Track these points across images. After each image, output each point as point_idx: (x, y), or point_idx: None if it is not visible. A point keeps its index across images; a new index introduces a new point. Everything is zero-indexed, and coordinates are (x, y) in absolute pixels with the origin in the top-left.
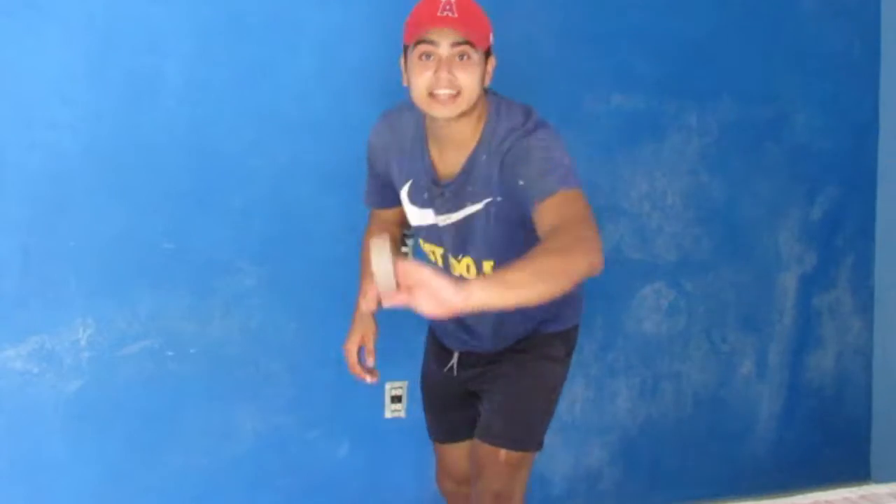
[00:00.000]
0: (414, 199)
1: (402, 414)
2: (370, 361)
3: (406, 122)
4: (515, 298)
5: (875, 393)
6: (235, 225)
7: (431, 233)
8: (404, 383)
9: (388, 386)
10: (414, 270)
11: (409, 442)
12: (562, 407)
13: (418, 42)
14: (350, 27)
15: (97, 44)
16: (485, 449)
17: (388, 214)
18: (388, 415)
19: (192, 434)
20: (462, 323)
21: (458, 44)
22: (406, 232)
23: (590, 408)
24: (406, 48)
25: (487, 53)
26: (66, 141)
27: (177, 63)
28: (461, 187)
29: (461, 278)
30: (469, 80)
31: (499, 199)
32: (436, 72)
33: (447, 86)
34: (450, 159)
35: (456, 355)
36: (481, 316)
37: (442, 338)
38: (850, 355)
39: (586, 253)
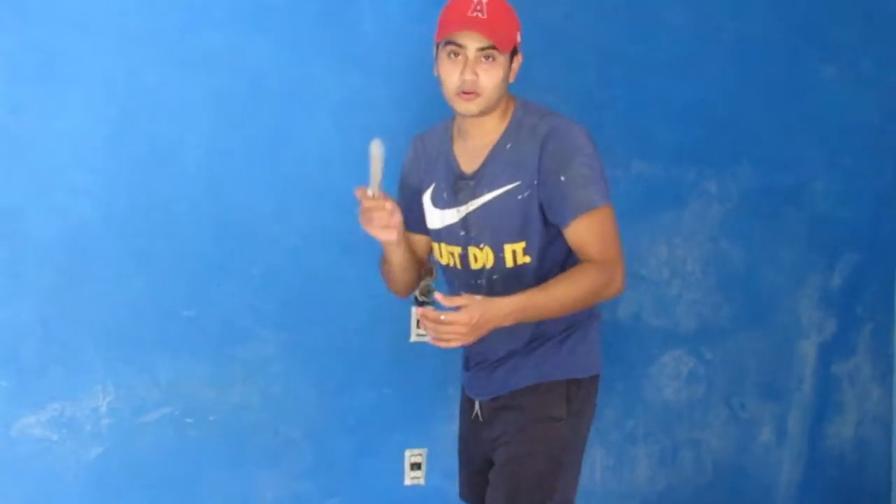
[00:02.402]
0: (436, 202)
1: (422, 481)
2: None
3: (434, 133)
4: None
5: (895, 461)
6: (255, 292)
7: (452, 231)
8: (423, 450)
9: (407, 453)
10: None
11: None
12: (581, 474)
13: (447, 42)
14: (369, 92)
15: (117, 111)
16: None
17: (411, 243)
18: (407, 482)
19: (212, 501)
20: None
21: (484, 48)
22: (425, 299)
23: (609, 475)
24: (437, 44)
25: (514, 52)
26: (85, 208)
27: (196, 130)
28: (485, 175)
29: (482, 269)
30: (491, 81)
31: (535, 181)
32: (461, 73)
33: (471, 87)
34: (474, 153)
35: (478, 404)
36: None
37: (466, 385)
38: (870, 423)
39: (613, 284)
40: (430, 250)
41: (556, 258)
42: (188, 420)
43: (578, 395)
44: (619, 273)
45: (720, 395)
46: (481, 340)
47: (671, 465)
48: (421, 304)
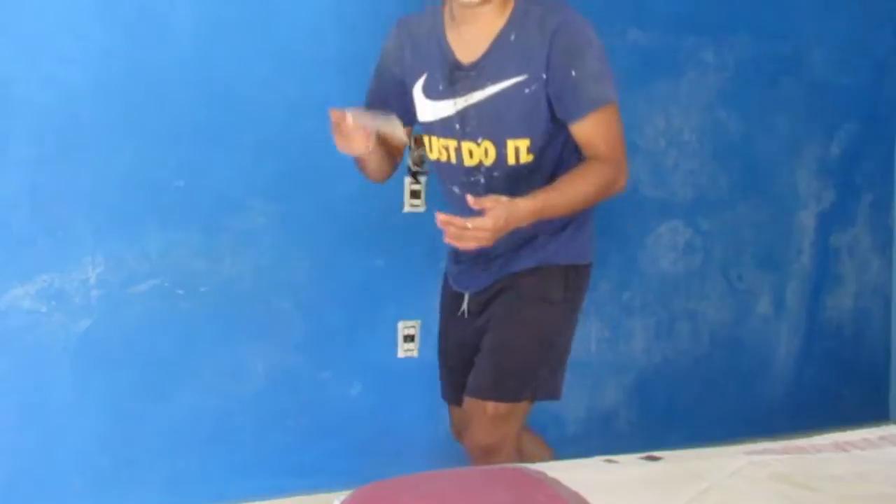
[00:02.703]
0: (429, 93)
1: (415, 353)
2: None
3: (422, 21)
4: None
5: (894, 332)
6: (246, 162)
7: (446, 125)
8: (417, 322)
9: (400, 325)
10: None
11: (421, 381)
12: (577, 346)
13: None
14: None
15: None
16: (471, 403)
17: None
18: (400, 354)
19: (202, 373)
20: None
21: None
22: (419, 169)
23: (605, 347)
24: None
25: None
26: (75, 77)
27: None
28: (488, 66)
29: (479, 166)
30: None
31: (543, 75)
32: None
33: None
34: (472, 43)
35: (467, 297)
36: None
37: (454, 280)
38: (869, 294)
39: (617, 178)
40: (409, 132)
41: (553, 156)
42: (178, 291)
43: (575, 281)
44: (623, 171)
45: (717, 267)
46: None
47: (667, 338)
48: (414, 174)
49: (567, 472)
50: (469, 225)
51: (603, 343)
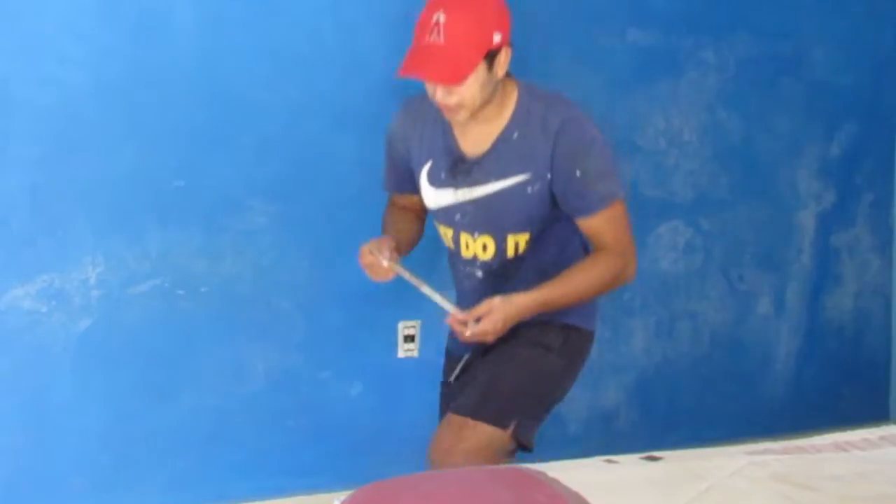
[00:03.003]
0: (432, 181)
1: (415, 354)
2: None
3: (427, 107)
4: (558, 308)
5: (894, 332)
6: (247, 162)
7: (447, 213)
8: (417, 323)
9: (400, 325)
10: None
11: (421, 381)
12: None
13: None
14: None
15: None
16: (453, 419)
17: (405, 201)
18: (400, 354)
19: (202, 373)
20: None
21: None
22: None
23: (606, 347)
24: None
25: (493, 53)
26: (76, 77)
27: None
28: (490, 163)
29: (474, 259)
30: (468, 93)
31: (548, 175)
32: (434, 95)
33: (447, 102)
34: (476, 138)
35: (466, 357)
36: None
37: (454, 346)
38: (870, 294)
39: (623, 270)
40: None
41: (554, 242)
42: (179, 292)
43: (577, 341)
44: (632, 262)
45: (718, 267)
46: None
47: (668, 338)
48: None
49: (567, 471)
50: (468, 333)
51: (603, 343)
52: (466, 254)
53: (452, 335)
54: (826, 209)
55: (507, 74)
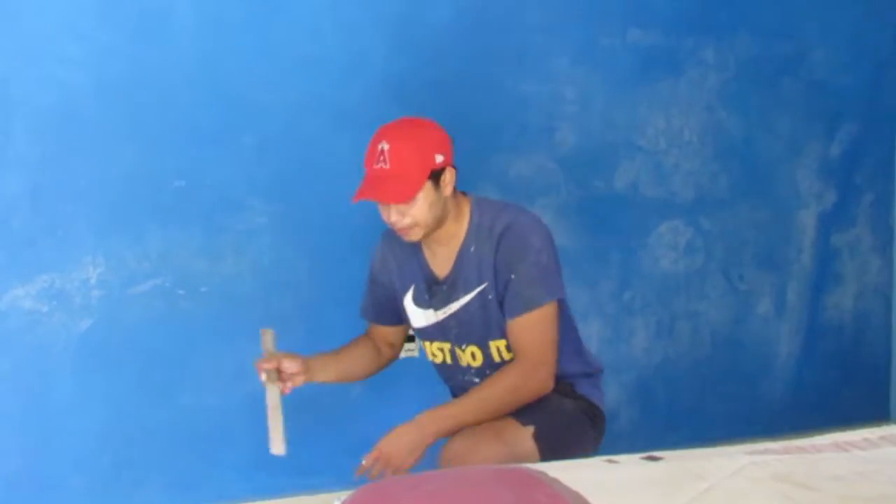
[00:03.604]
0: (418, 302)
1: (416, 353)
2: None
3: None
4: (464, 425)
5: (895, 332)
6: (247, 162)
7: (437, 330)
8: None
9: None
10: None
11: (421, 381)
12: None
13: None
14: None
15: None
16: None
17: (378, 333)
18: (401, 355)
19: (202, 373)
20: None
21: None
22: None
23: (606, 347)
24: None
25: (438, 173)
26: (76, 78)
27: None
28: (457, 280)
29: (468, 368)
30: (420, 213)
31: (494, 280)
32: (387, 216)
33: (401, 225)
34: (442, 258)
35: None
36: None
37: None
38: (870, 294)
39: (532, 381)
40: (399, 339)
41: None
42: (179, 291)
43: (595, 417)
44: (542, 371)
45: (718, 267)
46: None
47: (668, 337)
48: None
49: (568, 471)
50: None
51: (604, 343)
52: (462, 363)
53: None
54: (826, 209)
55: (462, 193)
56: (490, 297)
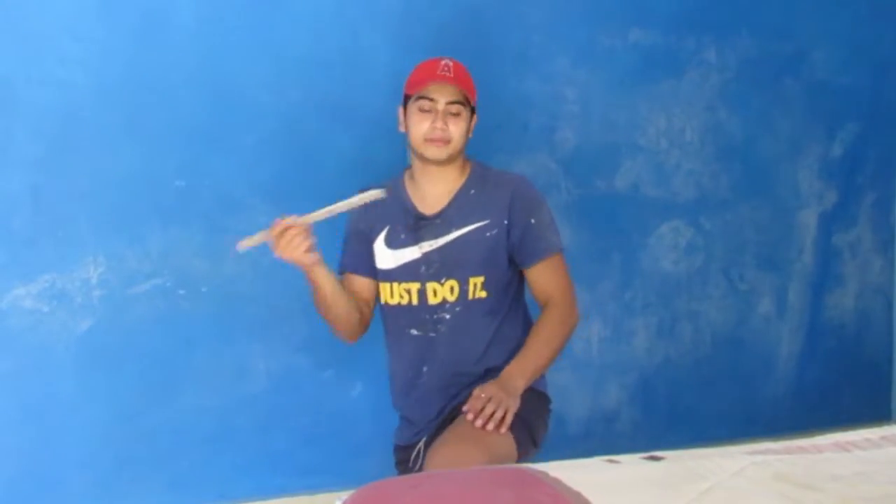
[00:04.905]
0: (391, 243)
1: None
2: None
3: (384, 185)
4: (540, 371)
5: None
6: (248, 162)
7: (408, 269)
8: None
9: None
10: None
11: None
12: (578, 346)
13: (420, 97)
14: None
15: None
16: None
17: (356, 286)
18: None
19: (203, 373)
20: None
21: (453, 102)
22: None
23: (607, 347)
24: (407, 99)
25: (472, 111)
26: (76, 78)
27: None
28: (451, 215)
29: (442, 304)
30: (458, 131)
31: (504, 221)
32: (433, 122)
33: (441, 135)
34: (433, 198)
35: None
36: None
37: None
38: (871, 294)
39: (572, 318)
40: (372, 296)
41: (506, 301)
42: (180, 291)
43: (541, 397)
44: (574, 308)
45: (719, 267)
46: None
47: (669, 337)
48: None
49: (569, 471)
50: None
51: (605, 343)
52: (434, 300)
53: (401, 428)
54: (827, 209)
55: (465, 156)
56: (489, 234)
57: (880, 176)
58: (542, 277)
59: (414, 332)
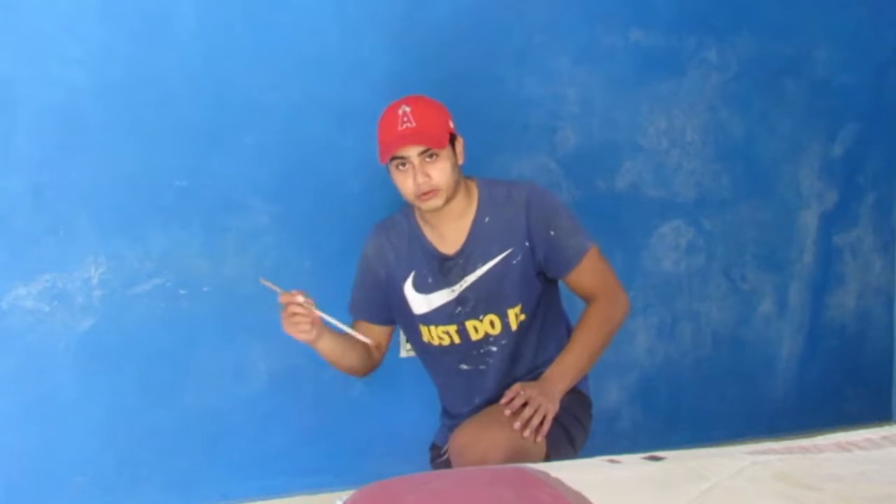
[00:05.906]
0: (420, 288)
1: (415, 353)
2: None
3: (398, 225)
4: (582, 372)
5: None
6: (249, 162)
7: (443, 312)
8: None
9: None
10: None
11: (422, 381)
12: None
13: (392, 159)
14: None
15: None
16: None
17: (369, 332)
18: (402, 354)
19: (204, 373)
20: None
21: (424, 152)
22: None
23: (608, 347)
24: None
25: (453, 138)
26: (78, 77)
27: None
28: (473, 251)
29: (486, 339)
30: (443, 175)
31: (526, 243)
32: (414, 179)
33: (427, 187)
34: (450, 236)
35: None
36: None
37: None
38: (872, 294)
39: (618, 310)
40: (385, 341)
41: (545, 310)
42: (181, 291)
43: (585, 401)
44: (620, 296)
45: (720, 267)
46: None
47: (670, 337)
48: None
49: (569, 471)
50: (507, 412)
51: None
52: (477, 336)
53: (442, 432)
54: (828, 209)
55: (466, 177)
56: (515, 261)
57: (881, 176)
58: (579, 280)
59: (464, 367)
